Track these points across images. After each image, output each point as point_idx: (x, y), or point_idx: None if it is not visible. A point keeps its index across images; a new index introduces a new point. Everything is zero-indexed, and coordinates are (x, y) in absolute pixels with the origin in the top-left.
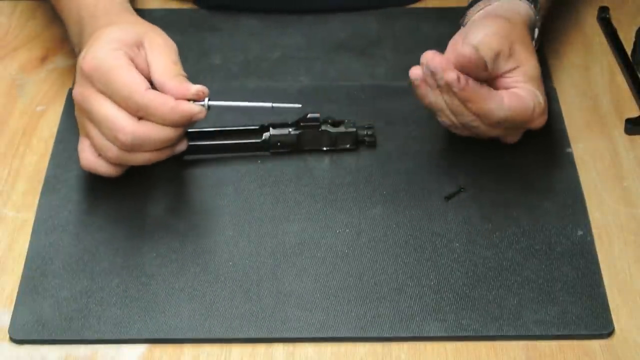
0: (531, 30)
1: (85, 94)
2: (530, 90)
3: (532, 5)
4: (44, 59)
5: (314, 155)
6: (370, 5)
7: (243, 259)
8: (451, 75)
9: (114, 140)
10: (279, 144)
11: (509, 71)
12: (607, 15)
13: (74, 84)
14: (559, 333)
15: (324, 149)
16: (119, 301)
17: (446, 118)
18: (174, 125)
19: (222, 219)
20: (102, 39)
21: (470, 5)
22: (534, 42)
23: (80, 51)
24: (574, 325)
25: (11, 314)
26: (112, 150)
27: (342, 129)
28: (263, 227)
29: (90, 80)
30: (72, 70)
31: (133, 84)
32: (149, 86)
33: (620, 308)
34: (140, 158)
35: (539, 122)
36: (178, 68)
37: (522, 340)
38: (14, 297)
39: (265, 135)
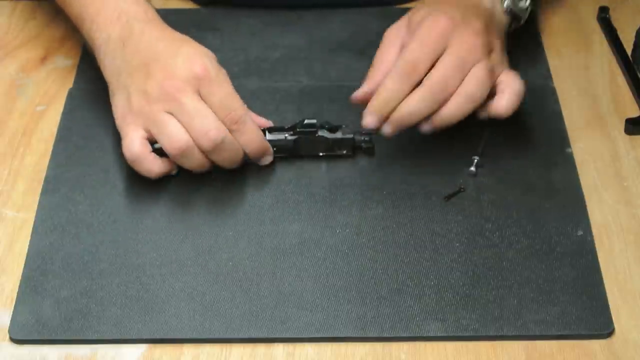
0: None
1: (181, 87)
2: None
3: None
4: (44, 59)
5: (311, 161)
6: (370, 2)
7: (243, 259)
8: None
9: (201, 134)
10: (275, 149)
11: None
12: (607, 15)
13: (74, 83)
14: (559, 333)
15: (321, 154)
16: (119, 301)
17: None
18: (249, 150)
19: (222, 219)
20: (201, 49)
21: None
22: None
23: (116, 44)
24: (574, 325)
25: (11, 314)
26: (182, 141)
27: (339, 134)
28: (263, 227)
29: (198, 82)
30: (72, 70)
31: (239, 99)
32: None
33: (620, 308)
34: (196, 160)
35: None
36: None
37: (522, 340)
38: (14, 297)
39: None
